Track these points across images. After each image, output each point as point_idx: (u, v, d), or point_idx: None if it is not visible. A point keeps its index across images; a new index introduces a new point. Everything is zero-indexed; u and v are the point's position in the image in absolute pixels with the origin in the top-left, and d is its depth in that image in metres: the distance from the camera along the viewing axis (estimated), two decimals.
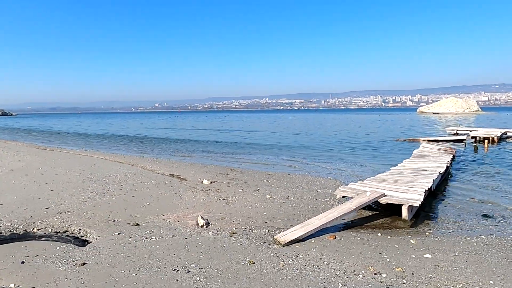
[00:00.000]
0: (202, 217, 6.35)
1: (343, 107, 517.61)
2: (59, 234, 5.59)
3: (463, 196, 8.66)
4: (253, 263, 4.58)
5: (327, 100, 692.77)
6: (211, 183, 9.75)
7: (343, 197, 7.12)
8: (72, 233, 5.76)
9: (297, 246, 5.26)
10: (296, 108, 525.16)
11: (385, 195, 6.68)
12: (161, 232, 5.70)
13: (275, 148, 20.15)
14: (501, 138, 22.42)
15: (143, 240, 5.30)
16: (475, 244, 5.41)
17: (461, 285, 4.08)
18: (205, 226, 6.12)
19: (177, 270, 4.31)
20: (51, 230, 5.85)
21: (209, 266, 4.45)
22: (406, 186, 7.39)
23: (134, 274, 4.17)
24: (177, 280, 4.06)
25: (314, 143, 22.99)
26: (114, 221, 6.30)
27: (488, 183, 10.18)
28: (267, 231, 5.95)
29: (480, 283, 4.12)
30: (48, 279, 4.01)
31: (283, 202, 7.82)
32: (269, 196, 8.29)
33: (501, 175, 11.39)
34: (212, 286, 3.93)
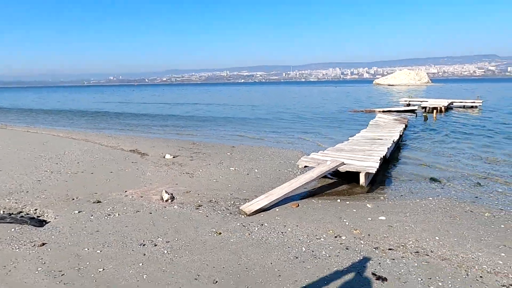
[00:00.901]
0: (166, 192, 6.29)
1: (303, 80, 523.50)
2: (12, 215, 5.30)
3: (414, 162, 9.31)
4: (220, 233, 4.68)
5: (288, 72, 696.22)
6: (174, 157, 9.61)
7: (305, 166, 7.37)
8: (28, 214, 5.48)
9: (262, 215, 5.43)
10: (257, 81, 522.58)
11: (344, 164, 7.01)
12: (125, 208, 5.59)
13: (237, 121, 20.13)
14: (448, 108, 24.06)
15: (106, 217, 5.18)
16: (423, 205, 5.91)
17: (411, 242, 4.47)
18: (170, 200, 6.08)
19: (144, 245, 4.30)
20: (3, 212, 5.52)
21: (176, 239, 4.48)
22: (363, 155, 7.79)
23: (98, 251, 4.10)
24: (144, 254, 4.06)
25: (275, 115, 23.24)
26: (73, 199, 6.07)
27: (436, 149, 11.00)
28: (232, 202, 6.06)
29: (427, 239, 4.54)
30: (5, 262, 3.83)
31: (247, 174, 7.94)
32: (233, 169, 8.36)
33: (447, 142, 12.33)
34: (179, 258, 3.98)
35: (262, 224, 5.02)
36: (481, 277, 3.63)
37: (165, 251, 4.14)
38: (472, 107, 25.78)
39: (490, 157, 9.76)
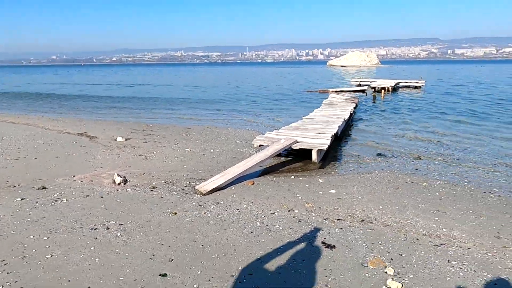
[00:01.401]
0: (118, 175, 6.09)
1: (259, 60, 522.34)
2: None
3: (363, 139, 9.84)
4: (175, 213, 4.67)
5: (244, 53, 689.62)
6: (126, 140, 9.26)
7: (260, 145, 7.48)
8: None
9: (218, 194, 5.48)
10: (213, 61, 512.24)
11: (298, 142, 7.23)
12: (73, 193, 5.35)
13: (193, 102, 19.75)
14: (395, 88, 25.47)
15: (52, 203, 4.92)
16: (370, 178, 6.31)
17: (358, 212, 4.79)
18: (122, 184, 5.91)
19: (95, 229, 4.17)
20: None
21: (130, 221, 4.39)
22: (315, 133, 8.07)
23: (45, 238, 3.91)
24: (96, 238, 3.94)
25: (232, 96, 23.10)
26: (15, 186, 5.68)
27: (383, 127, 11.69)
28: (188, 183, 6.03)
29: (372, 208, 4.90)
30: None
31: (203, 155, 7.91)
32: (188, 150, 8.27)
33: (393, 120, 13.14)
34: (134, 239, 3.93)
35: (218, 203, 5.07)
36: (417, 239, 4.02)
37: (119, 234, 4.06)
38: (416, 87, 27.52)
39: (430, 134, 10.58)
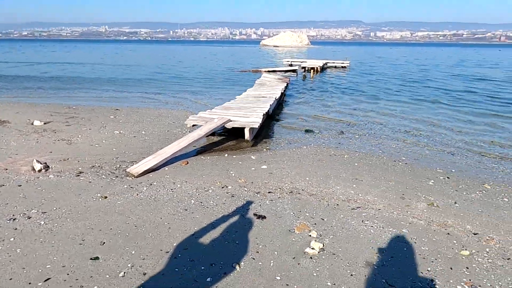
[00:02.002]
0: (38, 161, 5.63)
1: (192, 39, 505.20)
2: None
3: (293, 116, 10.34)
4: (106, 197, 4.53)
5: (176, 30, 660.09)
6: (45, 123, 8.49)
7: (194, 125, 7.46)
8: None
9: (151, 176, 5.41)
10: (142, 39, 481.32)
11: (231, 121, 7.35)
12: None
13: (121, 82, 18.58)
14: (323, 68, 26.82)
15: None
16: (298, 153, 6.74)
17: (287, 184, 5.14)
18: (43, 170, 5.49)
19: (14, 219, 3.88)
20: None
21: (55, 209, 4.16)
22: (248, 112, 8.27)
23: None
24: (16, 229, 3.68)
25: (163, 75, 22.21)
26: None
27: (312, 105, 12.37)
28: (118, 166, 5.82)
29: (300, 180, 5.29)
30: None
31: (134, 137, 7.63)
32: (118, 132, 7.90)
33: (321, 98, 13.94)
34: (60, 226, 3.75)
35: (151, 184, 5.03)
36: (337, 204, 4.48)
37: (42, 222, 3.83)
38: (342, 67, 29.31)
39: (353, 110, 11.49)
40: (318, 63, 26.44)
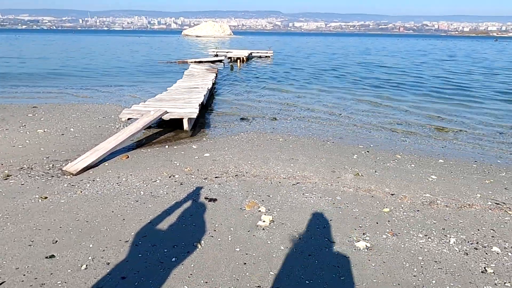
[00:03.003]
0: None
1: (105, 28, 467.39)
2: None
3: (226, 106, 10.63)
4: (46, 198, 4.32)
5: (86, 19, 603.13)
6: None
7: (129, 119, 7.28)
8: None
9: (92, 172, 5.25)
10: (45, 28, 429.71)
11: (168, 112, 7.36)
12: None
13: (32, 77, 16.68)
14: (248, 58, 27.43)
15: None
16: (237, 140, 7.09)
17: (231, 169, 5.45)
18: None
19: None
20: None
21: None
22: (183, 102, 8.32)
23: None
24: None
25: (80, 68, 20.51)
26: None
27: (243, 94, 12.77)
28: (51, 165, 5.49)
29: (243, 164, 5.64)
30: None
31: (62, 135, 7.16)
32: (42, 131, 7.32)
33: (250, 86, 14.42)
34: (1, 231, 3.53)
35: (94, 180, 4.90)
36: (279, 182, 4.95)
37: None
38: (266, 56, 30.31)
39: (281, 97, 12.19)
40: (243, 53, 26.93)
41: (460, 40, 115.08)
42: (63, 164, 5.52)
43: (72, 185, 4.71)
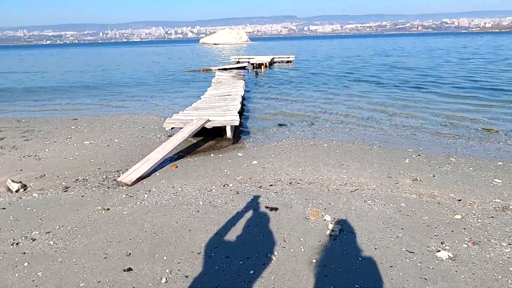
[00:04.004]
0: (13, 181, 5.19)
1: (125, 40, 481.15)
2: None
3: (260, 112, 10.58)
4: (108, 209, 4.36)
5: (106, 32, 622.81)
6: None
7: (172, 128, 7.34)
8: None
9: (145, 182, 5.29)
10: (68, 42, 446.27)
11: (210, 120, 7.37)
12: None
13: (66, 89, 17.25)
14: (271, 63, 27.45)
15: None
16: (281, 146, 7.01)
17: (283, 176, 5.37)
18: (22, 190, 5.09)
19: (17, 243, 3.60)
20: None
21: (58, 227, 3.93)
22: (222, 110, 8.34)
23: None
24: (24, 253, 3.44)
25: (110, 80, 21.06)
26: None
27: (273, 99, 12.72)
28: (105, 176, 5.58)
29: (294, 171, 5.54)
30: None
31: (108, 145, 7.29)
32: (88, 142, 7.48)
33: (278, 92, 14.36)
34: (74, 244, 3.57)
35: (150, 190, 4.93)
36: (337, 189, 4.82)
37: (51, 242, 3.61)
38: (288, 61, 30.25)
39: (312, 101, 12.06)
40: (265, 59, 26.96)
41: (483, 36, 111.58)
42: (116, 175, 5.59)
43: (130, 196, 4.74)
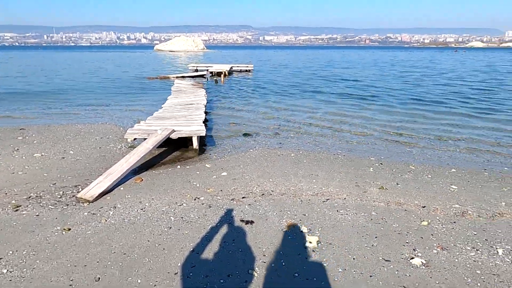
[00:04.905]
0: None
1: (72, 44, 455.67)
2: None
3: (223, 121, 10.48)
4: (69, 229, 3.99)
5: (51, 35, 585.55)
6: None
7: (135, 139, 6.99)
8: None
9: (109, 198, 4.94)
10: (7, 44, 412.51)
11: (175, 131, 7.13)
12: None
13: (7, 97, 15.80)
14: (230, 72, 27.47)
15: None
16: (249, 156, 6.96)
17: (255, 188, 5.31)
18: None
19: None
20: None
21: (11, 252, 3.51)
22: (186, 120, 8.12)
23: None
24: None
25: (58, 87, 19.66)
26: None
27: (234, 108, 12.68)
28: (62, 192, 5.13)
29: (265, 182, 5.51)
30: None
31: (63, 158, 6.75)
32: (39, 155, 6.86)
33: (240, 101, 14.36)
34: (32, 270, 3.20)
35: (115, 207, 4.61)
36: (309, 200, 4.86)
37: (4, 271, 3.21)
38: (246, 70, 30.49)
39: (275, 111, 12.20)
40: (224, 68, 26.95)
41: (421, 51, 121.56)
42: (74, 191, 5.17)
43: (94, 214, 4.39)
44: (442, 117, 11.25)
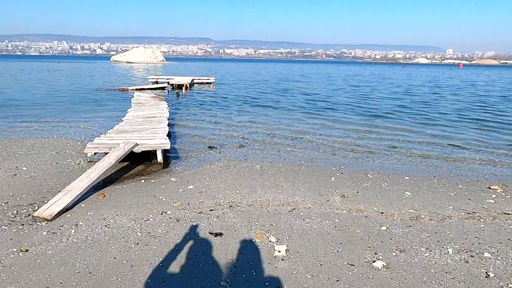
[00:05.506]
0: None
1: (19, 53, 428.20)
2: None
3: (187, 134, 10.41)
4: (27, 250, 3.77)
5: None
6: None
7: (95, 153, 6.74)
8: None
9: (69, 216, 4.72)
10: None
11: (138, 144, 6.99)
12: None
13: None
14: (191, 85, 27.32)
15: None
16: (215, 169, 6.98)
17: (222, 200, 5.34)
18: None
19: None
20: None
21: None
22: (150, 133, 7.99)
23: None
24: None
25: (7, 98, 18.38)
26: None
27: (198, 121, 12.64)
28: (16, 211, 4.82)
29: (232, 194, 5.56)
30: None
31: (15, 175, 6.33)
32: None
33: (203, 114, 14.34)
34: None
35: (77, 224, 4.42)
36: (276, 210, 4.99)
37: None
38: (208, 83, 30.49)
39: (238, 123, 12.34)
40: (186, 80, 26.75)
41: (374, 66, 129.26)
42: (30, 209, 4.89)
43: (53, 233, 4.18)
44: (394, 126, 12.03)
